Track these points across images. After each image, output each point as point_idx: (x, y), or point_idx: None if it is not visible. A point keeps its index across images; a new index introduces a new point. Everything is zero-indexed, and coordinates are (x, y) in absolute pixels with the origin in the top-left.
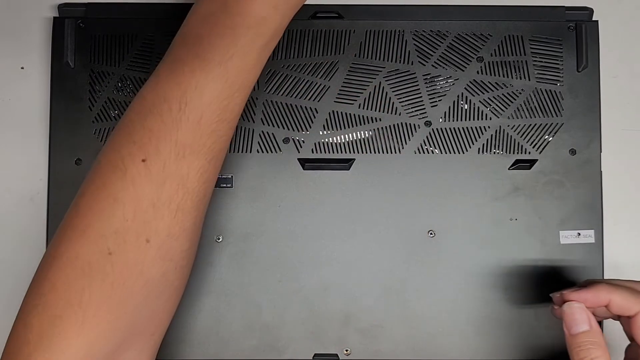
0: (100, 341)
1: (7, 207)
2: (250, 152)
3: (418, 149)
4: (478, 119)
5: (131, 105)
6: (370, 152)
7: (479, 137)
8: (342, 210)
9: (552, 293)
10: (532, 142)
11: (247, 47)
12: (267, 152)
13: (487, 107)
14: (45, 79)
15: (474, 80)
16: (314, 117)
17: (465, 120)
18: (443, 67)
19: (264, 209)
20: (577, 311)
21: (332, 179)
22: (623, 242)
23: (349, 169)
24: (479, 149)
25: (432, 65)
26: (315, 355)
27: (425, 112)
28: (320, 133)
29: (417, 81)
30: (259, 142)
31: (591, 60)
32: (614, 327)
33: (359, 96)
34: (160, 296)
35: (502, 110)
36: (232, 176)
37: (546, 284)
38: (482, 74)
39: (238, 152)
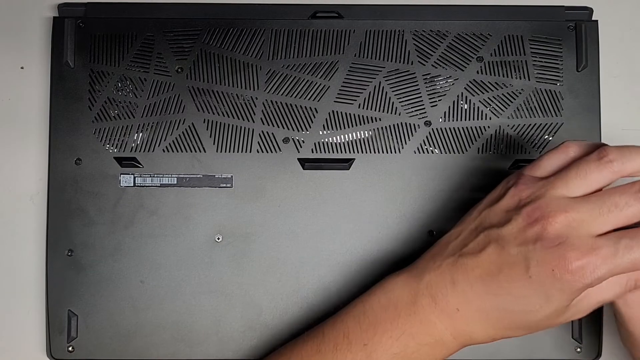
0: None
1: (7, 207)
2: (250, 152)
3: (418, 149)
4: (478, 119)
5: None
6: (370, 152)
7: (479, 137)
8: (342, 210)
9: None
10: (532, 142)
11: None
12: (267, 152)
13: (487, 107)
14: (45, 78)
15: (474, 80)
16: (314, 117)
17: (465, 120)
18: (443, 67)
19: (264, 209)
20: None
21: (332, 179)
22: None
23: (349, 169)
24: (479, 149)
25: (432, 65)
26: None
27: (425, 112)
28: (320, 133)
29: (417, 81)
30: (259, 142)
31: (591, 60)
32: None
33: (359, 96)
34: None
35: (502, 110)
36: (232, 176)
37: None
38: (482, 73)
39: (238, 152)
